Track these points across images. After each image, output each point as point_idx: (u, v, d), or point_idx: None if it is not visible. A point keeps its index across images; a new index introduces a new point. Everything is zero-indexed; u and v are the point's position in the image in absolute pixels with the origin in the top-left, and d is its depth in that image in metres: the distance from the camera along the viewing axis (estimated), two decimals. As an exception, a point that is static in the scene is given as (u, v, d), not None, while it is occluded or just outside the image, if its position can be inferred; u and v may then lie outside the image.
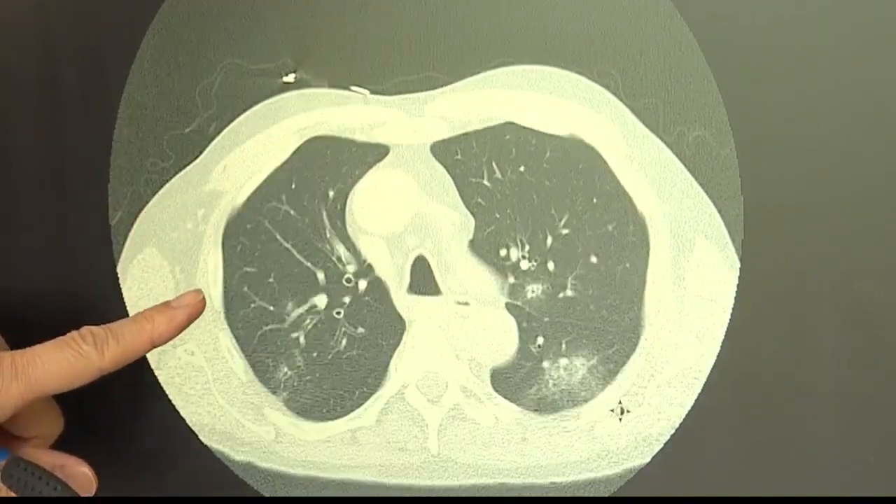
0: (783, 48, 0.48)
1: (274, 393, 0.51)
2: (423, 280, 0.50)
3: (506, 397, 0.50)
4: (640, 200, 0.49)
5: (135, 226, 0.52)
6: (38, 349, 0.41)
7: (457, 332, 0.50)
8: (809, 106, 0.48)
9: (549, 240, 0.49)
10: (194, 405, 0.51)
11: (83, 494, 0.42)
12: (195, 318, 0.45)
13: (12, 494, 0.41)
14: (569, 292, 0.49)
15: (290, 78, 0.50)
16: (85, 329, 0.42)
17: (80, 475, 0.44)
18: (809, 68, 0.47)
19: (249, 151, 0.51)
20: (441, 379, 0.50)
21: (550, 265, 0.49)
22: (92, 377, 0.41)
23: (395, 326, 0.51)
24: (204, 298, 0.45)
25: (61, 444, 0.46)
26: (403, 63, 0.50)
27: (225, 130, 0.51)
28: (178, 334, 0.44)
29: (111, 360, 0.42)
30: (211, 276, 0.51)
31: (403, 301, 0.51)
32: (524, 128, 0.49)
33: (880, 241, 0.47)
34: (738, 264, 0.48)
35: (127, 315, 0.51)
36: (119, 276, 0.51)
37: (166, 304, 0.44)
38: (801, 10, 0.47)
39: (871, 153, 0.47)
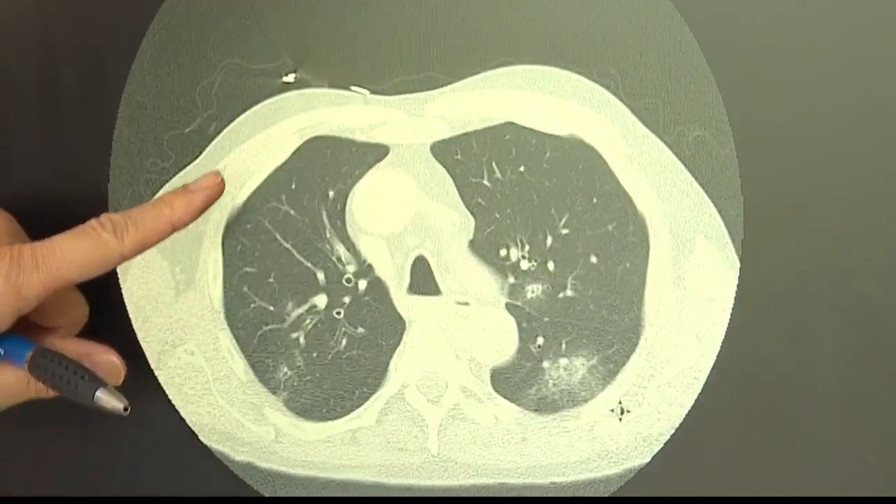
0: (783, 48, 0.48)
1: (274, 393, 0.51)
2: (423, 280, 0.50)
3: (506, 397, 0.50)
4: (640, 200, 0.49)
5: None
6: (56, 239, 0.41)
7: (457, 332, 0.50)
8: (809, 106, 0.48)
9: (549, 240, 0.49)
10: (194, 405, 0.51)
11: (111, 382, 0.41)
12: (213, 201, 0.45)
13: (41, 384, 0.41)
14: (569, 292, 0.49)
15: (290, 78, 0.50)
16: (104, 216, 0.42)
17: (107, 363, 0.44)
18: (809, 68, 0.47)
19: (249, 151, 0.51)
20: (441, 379, 0.50)
21: (550, 265, 0.49)
22: (113, 264, 0.42)
23: (395, 326, 0.51)
24: (222, 181, 0.45)
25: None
26: (403, 63, 0.50)
27: (225, 130, 0.51)
28: (196, 217, 0.44)
29: (131, 246, 0.42)
30: (211, 276, 0.51)
31: (403, 301, 0.51)
32: (524, 128, 0.49)
33: (880, 241, 0.47)
34: (738, 264, 0.48)
35: (127, 315, 0.51)
36: (119, 276, 0.51)
37: (184, 187, 0.45)
38: (801, 10, 0.47)
39: (871, 153, 0.47)
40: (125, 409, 0.40)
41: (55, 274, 0.40)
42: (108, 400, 0.40)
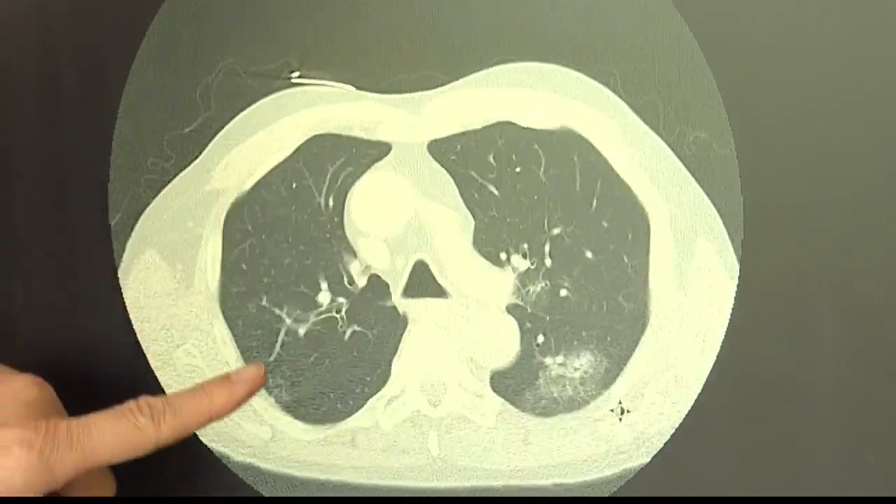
0: (783, 48, 0.48)
1: (273, 394, 0.51)
2: (423, 280, 0.50)
3: (506, 398, 0.50)
4: (641, 199, 0.49)
5: (136, 227, 0.52)
6: (93, 419, 0.40)
7: (458, 334, 0.50)
8: (809, 106, 0.48)
9: (549, 239, 0.49)
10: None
11: None
12: (255, 393, 0.44)
13: None
14: (569, 292, 0.49)
15: (291, 76, 0.50)
16: (143, 400, 0.41)
17: None
18: (809, 68, 0.48)
19: (250, 149, 0.51)
20: (442, 380, 0.50)
21: (551, 264, 0.49)
22: (147, 450, 0.41)
23: (395, 327, 0.51)
24: (265, 373, 0.44)
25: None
26: (403, 61, 0.50)
27: (225, 129, 0.51)
28: (237, 409, 0.43)
29: (168, 433, 0.41)
30: (210, 276, 0.51)
31: (404, 301, 0.51)
32: (524, 126, 0.49)
33: (880, 241, 0.47)
34: (737, 264, 0.48)
35: (127, 315, 0.51)
36: (120, 277, 0.51)
37: (226, 377, 0.43)
38: (801, 10, 0.47)
39: (871, 153, 0.47)
40: None
41: (88, 455, 0.39)
42: None
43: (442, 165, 0.50)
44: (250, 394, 0.43)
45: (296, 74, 0.50)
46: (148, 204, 0.51)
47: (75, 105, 0.51)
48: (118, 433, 0.40)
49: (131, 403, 0.41)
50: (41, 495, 0.39)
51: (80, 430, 0.39)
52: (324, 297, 0.51)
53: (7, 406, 0.40)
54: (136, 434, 0.40)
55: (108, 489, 0.45)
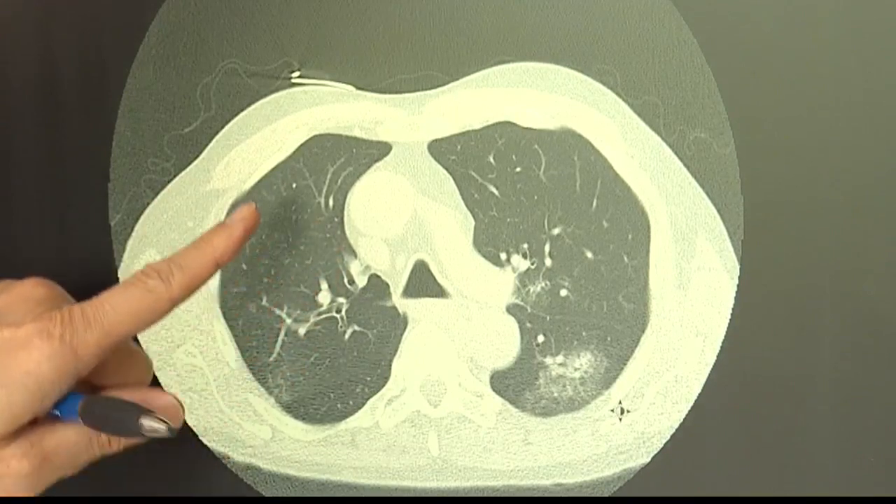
0: (783, 48, 0.48)
1: (273, 394, 0.51)
2: (423, 280, 0.50)
3: (506, 398, 0.50)
4: (641, 199, 0.49)
5: (136, 227, 0.52)
6: (104, 295, 0.40)
7: (458, 334, 0.50)
8: (809, 106, 0.48)
9: (549, 238, 0.49)
10: (194, 406, 0.51)
11: (173, 425, 0.41)
12: (252, 231, 0.44)
13: (103, 439, 0.41)
14: (569, 292, 0.49)
15: (291, 76, 0.50)
16: (147, 266, 0.42)
17: (166, 405, 0.43)
18: (809, 68, 0.48)
19: (250, 149, 0.51)
20: (442, 380, 0.50)
21: (551, 264, 0.49)
22: (164, 312, 0.41)
23: (395, 327, 0.51)
24: (258, 212, 0.45)
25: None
26: (403, 61, 0.50)
27: (225, 128, 0.51)
28: (239, 250, 0.44)
29: (179, 290, 0.41)
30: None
31: (403, 301, 0.51)
32: (524, 126, 0.49)
33: (880, 241, 0.47)
34: (737, 264, 0.48)
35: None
36: (120, 277, 0.51)
37: (221, 224, 0.44)
38: (800, 10, 0.47)
39: (871, 153, 0.47)
40: (168, 431, 0.40)
41: (108, 330, 0.39)
42: (151, 424, 0.40)
43: (442, 165, 0.50)
44: (248, 233, 0.44)
45: (296, 74, 0.50)
46: (148, 204, 0.51)
47: (75, 105, 0.51)
48: (131, 301, 0.40)
49: (137, 272, 0.41)
50: (73, 381, 0.39)
51: (94, 308, 0.40)
52: (324, 297, 0.51)
53: (20, 309, 0.40)
54: (150, 297, 0.41)
55: (142, 367, 0.44)
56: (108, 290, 0.41)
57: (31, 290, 0.42)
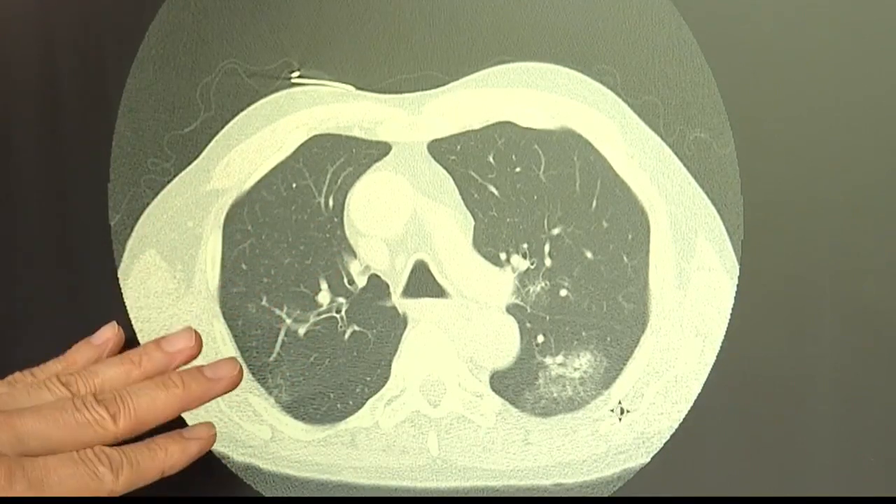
0: (783, 48, 0.48)
1: (273, 394, 0.51)
2: (423, 280, 0.50)
3: (506, 398, 0.50)
4: (641, 199, 0.49)
5: (136, 227, 0.52)
6: (52, 462, 0.40)
7: (458, 334, 0.50)
8: (809, 106, 0.48)
9: (549, 239, 0.49)
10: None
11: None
12: (206, 450, 0.45)
13: None
14: (569, 292, 0.49)
15: (291, 76, 0.50)
16: (98, 449, 0.41)
17: None
18: (809, 68, 0.47)
19: (250, 149, 0.51)
20: (442, 381, 0.50)
21: (551, 264, 0.49)
22: (100, 496, 0.41)
23: (395, 327, 0.51)
24: (215, 433, 0.46)
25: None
26: (403, 61, 0.50)
27: (225, 128, 0.51)
28: (188, 463, 0.44)
29: (124, 485, 0.41)
30: (209, 276, 0.51)
31: (403, 301, 0.51)
32: (524, 126, 0.49)
33: (880, 241, 0.47)
34: (737, 264, 0.48)
35: (128, 317, 0.51)
36: (120, 277, 0.51)
37: (179, 433, 0.45)
38: (801, 11, 0.47)
39: (870, 153, 0.47)
40: None
41: (45, 494, 0.39)
42: None
43: (442, 165, 0.50)
44: (202, 451, 0.45)
45: (296, 74, 0.50)
46: (148, 204, 0.51)
47: (75, 105, 0.51)
48: (78, 479, 0.40)
49: (89, 452, 0.41)
50: None
51: (39, 473, 0.39)
52: (324, 297, 0.51)
53: None
54: (94, 484, 0.41)
55: None
56: (56, 456, 0.40)
57: None
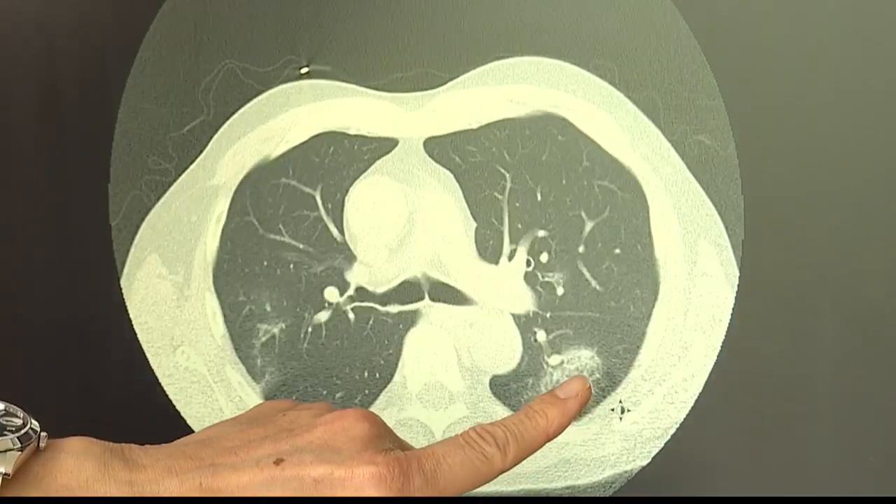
0: (783, 48, 0.48)
1: (274, 395, 0.51)
2: (423, 281, 0.50)
3: (506, 399, 0.50)
4: (648, 193, 0.49)
5: (137, 228, 0.52)
6: (440, 450, 0.39)
7: (459, 335, 0.50)
8: (809, 106, 0.48)
9: (552, 237, 0.49)
10: (194, 406, 0.51)
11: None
12: (585, 405, 0.44)
13: None
14: (569, 291, 0.49)
15: (290, 75, 0.50)
16: (481, 428, 0.40)
17: None
18: (809, 68, 0.47)
19: (251, 147, 0.51)
20: (445, 385, 0.50)
21: (553, 262, 0.49)
22: (490, 479, 0.40)
23: (396, 328, 0.51)
24: (589, 386, 0.45)
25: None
26: (402, 59, 0.50)
27: (225, 125, 0.51)
28: (569, 425, 0.43)
29: (512, 461, 0.40)
30: (209, 276, 0.51)
31: (405, 305, 0.51)
32: (524, 123, 0.49)
33: (881, 241, 0.47)
34: (737, 265, 0.48)
35: (128, 317, 0.52)
36: (121, 278, 0.51)
37: (554, 394, 0.43)
38: (801, 10, 0.47)
39: (871, 153, 0.47)
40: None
41: (441, 488, 0.38)
42: None
43: (442, 164, 0.50)
44: (581, 408, 0.44)
45: (305, 70, 0.50)
46: (149, 205, 0.51)
47: (75, 105, 0.51)
48: (468, 465, 0.39)
49: (472, 433, 0.40)
50: None
51: (432, 463, 0.38)
52: (324, 298, 0.51)
53: (343, 444, 0.38)
54: (486, 466, 0.39)
55: None
56: (440, 444, 0.39)
57: (354, 423, 0.39)
